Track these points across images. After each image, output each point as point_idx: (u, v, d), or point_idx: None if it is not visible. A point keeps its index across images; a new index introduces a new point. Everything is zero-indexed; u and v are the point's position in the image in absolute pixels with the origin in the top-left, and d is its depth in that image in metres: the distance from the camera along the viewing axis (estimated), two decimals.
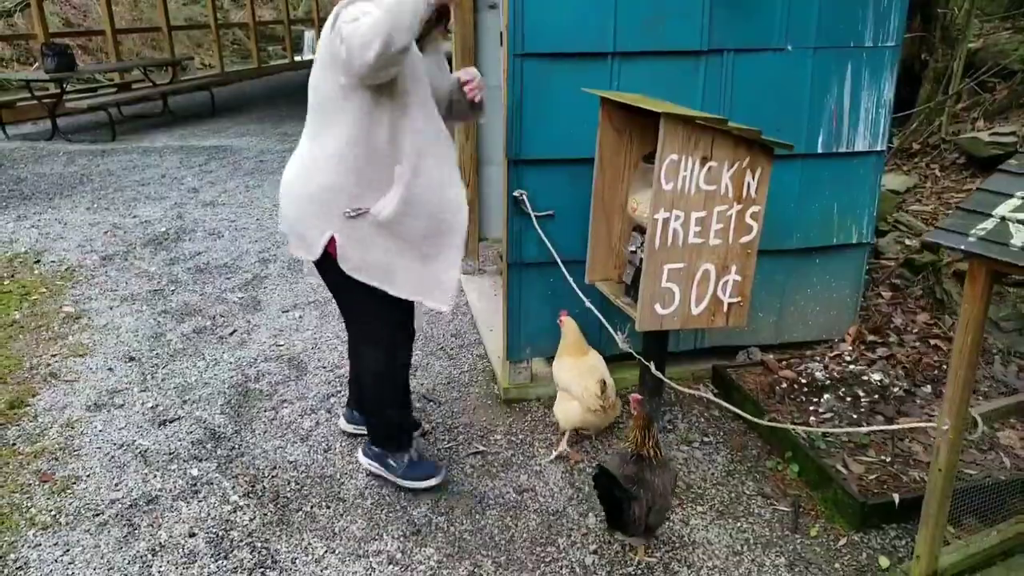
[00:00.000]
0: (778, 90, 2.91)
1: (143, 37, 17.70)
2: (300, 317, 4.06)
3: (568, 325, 2.80)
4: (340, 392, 3.29)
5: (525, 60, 2.79)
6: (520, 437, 2.94)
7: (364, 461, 2.72)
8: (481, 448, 2.88)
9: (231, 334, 3.88)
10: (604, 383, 2.67)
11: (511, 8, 2.72)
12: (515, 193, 2.93)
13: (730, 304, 2.40)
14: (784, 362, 3.09)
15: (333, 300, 3.96)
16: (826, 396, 2.84)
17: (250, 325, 3.99)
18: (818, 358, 3.09)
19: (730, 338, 3.21)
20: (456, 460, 2.82)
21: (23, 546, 2.40)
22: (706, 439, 2.87)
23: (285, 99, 12.27)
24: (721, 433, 2.91)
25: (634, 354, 2.58)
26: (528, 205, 2.89)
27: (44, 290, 4.48)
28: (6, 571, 2.30)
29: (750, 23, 2.82)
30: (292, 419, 3.11)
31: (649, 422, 2.24)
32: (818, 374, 2.95)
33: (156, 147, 8.56)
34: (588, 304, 2.73)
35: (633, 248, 2.56)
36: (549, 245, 2.84)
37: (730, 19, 2.80)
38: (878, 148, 3.01)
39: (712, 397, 2.59)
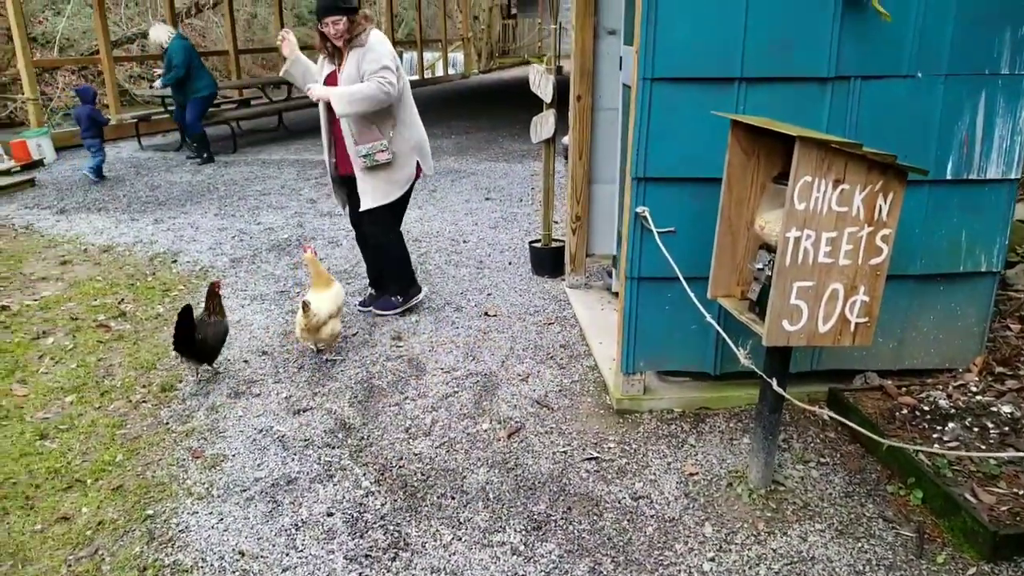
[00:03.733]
0: (906, 116, 2.93)
1: (255, 56, 18.72)
2: (416, 321, 4.26)
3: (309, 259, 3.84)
4: (457, 392, 3.46)
5: (655, 84, 2.90)
6: (633, 447, 3.03)
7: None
8: (595, 454, 2.98)
9: (353, 335, 4.12)
10: (307, 305, 3.59)
11: (643, 34, 2.84)
12: (638, 209, 3.04)
13: (857, 324, 2.44)
14: (904, 388, 3.08)
15: (448, 305, 4.21)
16: (951, 425, 2.81)
17: (371, 326, 4.21)
18: (941, 386, 3.06)
19: (846, 361, 3.22)
20: (571, 464, 2.93)
21: (183, 512, 2.64)
22: (822, 460, 2.89)
23: None
24: (838, 455, 2.92)
25: (756, 371, 2.64)
26: (650, 221, 3.00)
27: (182, 287, 4.85)
28: (170, 532, 2.54)
29: (879, 50, 2.86)
30: (415, 415, 3.28)
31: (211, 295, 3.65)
32: (942, 402, 2.93)
33: (274, 160, 9.07)
34: (709, 319, 2.80)
35: (760, 265, 2.63)
36: (671, 260, 2.93)
37: (858, 46, 2.85)
38: (1012, 176, 2.99)
39: (835, 416, 2.61)
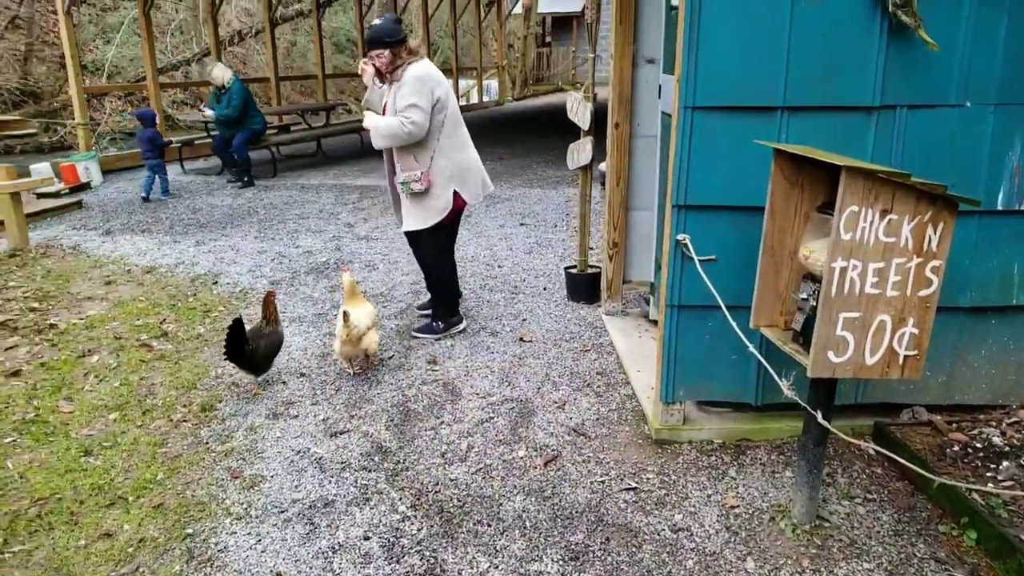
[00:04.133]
0: (954, 146, 2.89)
1: (294, 84, 19.11)
2: (451, 346, 4.27)
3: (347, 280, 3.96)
4: (493, 418, 3.45)
5: (696, 112, 2.90)
6: (673, 478, 2.99)
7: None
8: (634, 484, 2.94)
9: (389, 357, 4.13)
10: (347, 314, 3.71)
11: (685, 63, 2.85)
12: (679, 237, 3.02)
13: (906, 356, 2.39)
14: (954, 424, 3.00)
15: (483, 330, 4.22)
16: (1005, 463, 2.73)
17: (406, 350, 4.23)
18: (993, 423, 2.98)
19: (893, 395, 3.15)
20: (609, 494, 2.89)
21: (222, 532, 2.66)
22: (869, 496, 2.82)
23: None
24: (885, 491, 2.85)
25: (800, 402, 2.59)
26: (691, 249, 2.98)
27: (222, 308, 4.92)
28: (209, 552, 2.55)
29: (925, 79, 2.83)
30: (451, 440, 3.27)
31: (267, 304, 3.86)
32: (995, 439, 2.85)
33: (312, 184, 9.20)
34: (752, 349, 2.77)
35: (804, 295, 2.59)
36: (712, 288, 2.90)
37: (904, 75, 2.83)
38: None
39: (882, 451, 2.55)
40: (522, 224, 7.03)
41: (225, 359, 3.57)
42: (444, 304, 4.42)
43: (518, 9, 24.83)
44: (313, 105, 14.56)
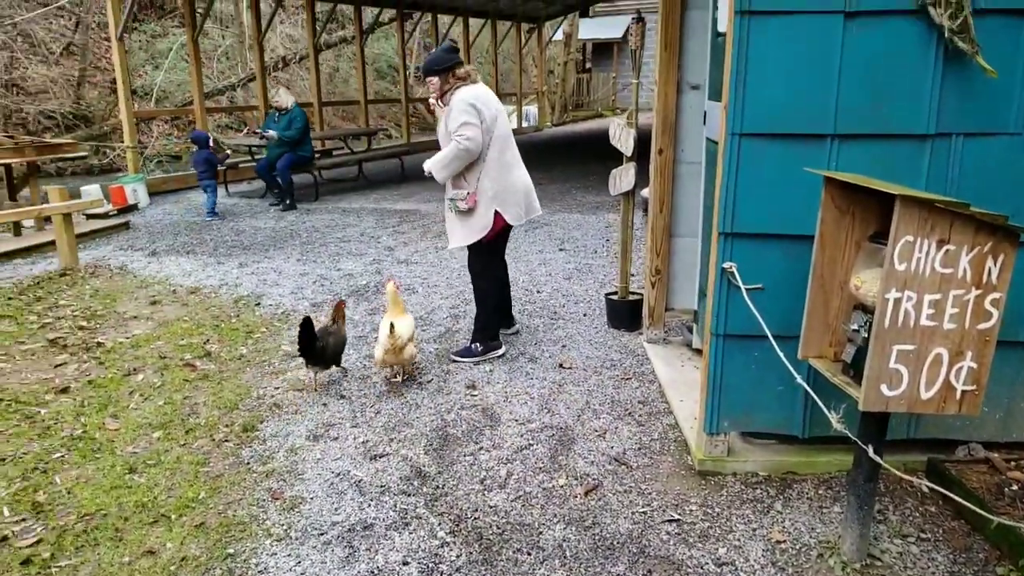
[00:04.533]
0: (1012, 175, 2.82)
1: (336, 108, 19.45)
2: (490, 371, 4.26)
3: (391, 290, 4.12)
4: (533, 445, 3.42)
5: (743, 139, 2.87)
6: (717, 510, 2.92)
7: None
8: (676, 516, 2.89)
9: (429, 381, 4.13)
10: (393, 326, 3.88)
11: (732, 89, 2.83)
12: (725, 265, 2.98)
13: (964, 391, 2.32)
14: (1013, 462, 2.89)
15: (522, 356, 4.20)
16: None
17: (445, 374, 4.22)
18: None
19: (947, 431, 3.06)
20: (651, 525, 2.84)
21: (262, 553, 2.66)
22: (923, 535, 2.72)
23: None
24: (940, 531, 2.75)
25: (850, 436, 2.52)
26: (738, 277, 2.94)
27: (264, 330, 4.97)
28: (249, 573, 2.55)
29: (983, 107, 2.77)
30: (490, 466, 3.25)
31: (338, 309, 4.26)
32: None
33: (354, 208, 9.32)
34: (799, 380, 2.71)
35: (855, 326, 2.53)
36: (759, 318, 2.86)
37: (960, 102, 2.77)
38: None
39: (936, 489, 2.47)
40: (561, 249, 7.02)
41: (298, 354, 3.93)
42: (485, 327, 4.43)
43: (559, 36, 25.05)
44: (355, 130, 14.79)
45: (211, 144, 9.06)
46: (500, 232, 4.28)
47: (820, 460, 3.17)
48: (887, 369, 2.32)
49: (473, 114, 3.99)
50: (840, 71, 2.74)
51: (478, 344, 4.42)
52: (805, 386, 2.72)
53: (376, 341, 4.16)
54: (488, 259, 4.36)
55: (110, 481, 3.17)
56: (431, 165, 4.14)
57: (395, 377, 4.15)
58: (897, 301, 2.28)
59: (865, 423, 2.53)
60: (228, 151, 10.20)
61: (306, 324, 3.87)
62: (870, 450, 2.50)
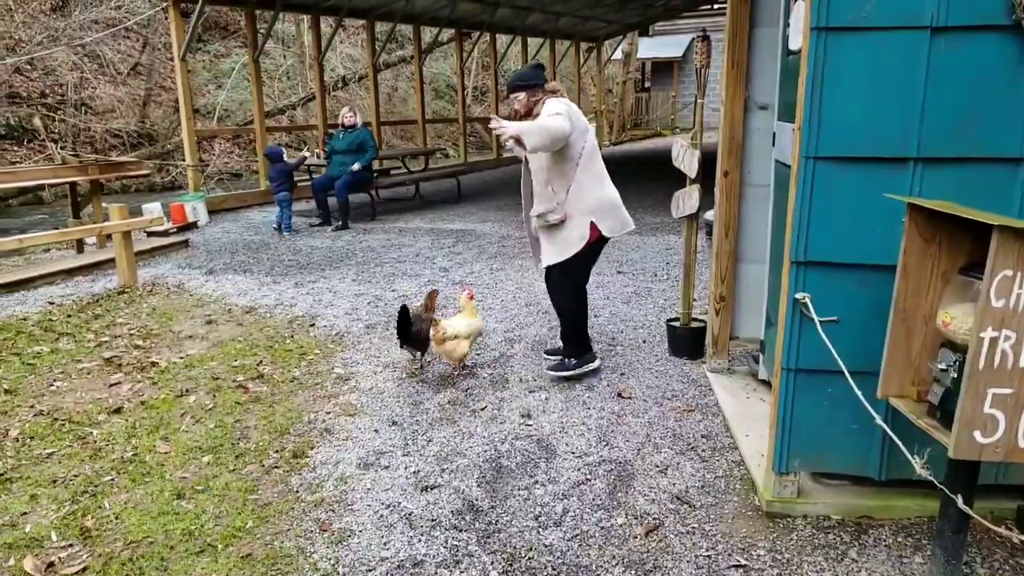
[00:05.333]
0: None
1: (395, 128, 19.68)
2: (546, 399, 4.13)
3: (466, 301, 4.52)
4: (590, 480, 3.27)
5: (818, 162, 2.71)
6: (787, 556, 2.73)
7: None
8: (743, 561, 2.71)
9: (482, 409, 4.02)
10: (436, 321, 4.33)
11: (807, 110, 2.67)
12: (797, 296, 2.81)
13: None
14: None
15: (579, 384, 4.04)
16: None
17: (499, 401, 4.11)
18: None
19: None
20: (716, 570, 2.66)
21: None
22: None
23: None
24: None
25: (936, 483, 2.32)
26: (811, 309, 2.76)
27: (318, 351, 4.94)
28: None
29: None
30: (545, 501, 3.11)
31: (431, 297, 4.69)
32: None
33: (410, 228, 9.32)
34: (879, 421, 2.52)
35: (943, 366, 2.33)
36: (834, 353, 2.67)
37: None
38: None
39: None
40: (619, 272, 6.86)
41: (397, 341, 4.44)
42: (574, 341, 4.36)
43: (618, 55, 24.95)
44: (413, 150, 14.90)
45: (284, 158, 9.31)
46: (594, 244, 4.16)
47: (899, 504, 2.95)
48: (981, 414, 2.13)
49: (566, 114, 3.88)
50: (925, 91, 2.56)
51: (571, 359, 4.34)
52: (885, 428, 2.52)
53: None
54: (576, 273, 4.25)
55: (158, 507, 3.13)
56: (522, 128, 3.70)
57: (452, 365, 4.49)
58: (993, 340, 2.09)
59: (954, 471, 2.32)
60: (307, 154, 10.34)
61: (403, 311, 4.37)
62: (959, 500, 2.30)
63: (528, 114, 4.04)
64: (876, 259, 2.68)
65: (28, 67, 15.85)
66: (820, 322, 2.74)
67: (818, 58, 2.61)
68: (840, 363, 2.64)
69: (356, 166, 9.25)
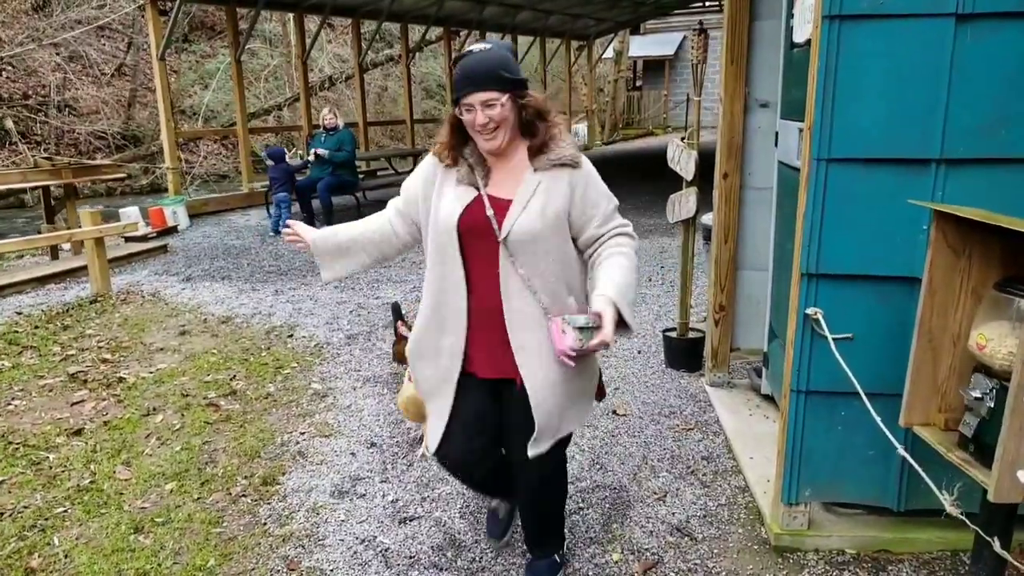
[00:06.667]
0: None
1: (384, 128, 19.40)
2: None
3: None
4: (583, 509, 3.02)
5: (830, 165, 2.46)
6: None
7: None
8: None
9: None
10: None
11: (818, 109, 2.43)
12: (808, 311, 2.56)
13: None
14: None
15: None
16: None
17: None
18: None
19: None
20: None
21: None
22: None
23: None
24: None
25: (969, 524, 2.08)
26: (823, 325, 2.52)
27: (295, 364, 4.67)
28: None
29: None
30: None
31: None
32: None
33: None
34: (901, 451, 2.27)
35: (978, 393, 2.09)
36: (850, 374, 2.43)
37: None
38: None
39: None
40: None
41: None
42: (561, 525, 2.64)
43: (609, 53, 24.71)
44: (400, 151, 14.63)
45: (287, 159, 9.08)
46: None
47: (919, 537, 2.71)
48: None
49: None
50: (950, 86, 2.31)
51: (560, 552, 2.64)
52: (908, 458, 2.27)
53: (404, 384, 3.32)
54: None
55: (112, 543, 2.87)
56: (627, 312, 2.13)
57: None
58: None
59: (991, 512, 2.08)
60: (304, 156, 10.03)
61: (396, 308, 4.20)
62: (996, 544, 2.05)
63: (523, 145, 2.26)
64: (896, 271, 2.45)
65: (9, 67, 15.51)
66: (833, 339, 2.49)
67: (830, 50, 2.37)
68: (856, 384, 2.40)
69: (322, 151, 8.94)
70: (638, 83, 28.91)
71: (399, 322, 4.19)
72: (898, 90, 2.36)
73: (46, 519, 3.05)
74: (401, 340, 4.02)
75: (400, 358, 3.95)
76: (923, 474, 2.22)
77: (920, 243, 2.37)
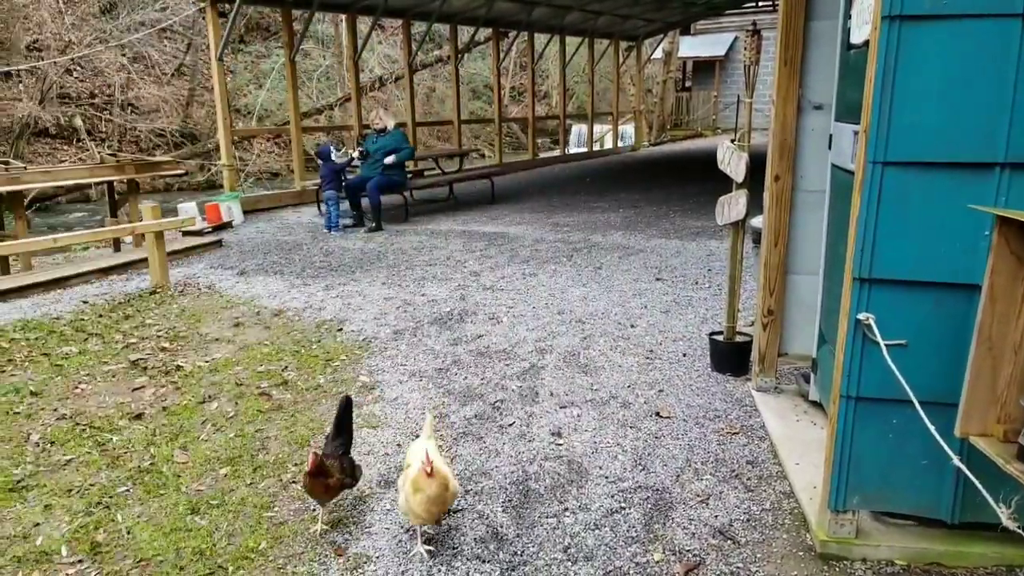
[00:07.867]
0: None
1: (431, 128, 19.59)
2: (578, 416, 3.88)
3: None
4: (624, 508, 3.03)
5: (887, 168, 2.43)
6: None
7: None
8: None
9: (510, 424, 3.80)
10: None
11: (875, 111, 2.40)
12: (860, 316, 2.54)
13: None
14: None
15: (613, 400, 3.73)
16: None
17: (528, 416, 3.88)
18: None
19: None
20: None
21: None
22: None
23: (557, 190, 12.72)
24: None
25: None
26: (876, 331, 2.49)
27: (344, 358, 4.77)
28: None
29: None
30: (575, 531, 2.88)
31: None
32: None
33: (442, 230, 9.14)
34: (956, 462, 2.24)
35: None
36: (902, 381, 2.39)
37: None
38: None
39: None
40: (658, 279, 6.57)
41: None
42: None
43: (658, 54, 24.55)
44: (448, 151, 14.75)
45: (334, 155, 9.27)
46: None
47: (973, 551, 2.65)
48: None
49: None
50: (1016, 87, 2.27)
51: None
52: (963, 469, 2.24)
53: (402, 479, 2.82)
54: None
55: (171, 522, 2.97)
56: None
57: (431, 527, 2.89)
58: None
59: None
60: (351, 152, 10.19)
61: (345, 405, 3.10)
62: None
63: None
64: (953, 277, 2.41)
65: (79, 68, 16.07)
66: (886, 346, 2.46)
67: (889, 51, 2.34)
68: (909, 391, 2.37)
69: (390, 159, 9.11)
70: (687, 84, 28.66)
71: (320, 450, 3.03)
72: (960, 92, 2.33)
73: (110, 497, 3.17)
74: (315, 472, 2.80)
75: (312, 492, 2.86)
76: (979, 486, 2.18)
77: (980, 249, 2.33)
